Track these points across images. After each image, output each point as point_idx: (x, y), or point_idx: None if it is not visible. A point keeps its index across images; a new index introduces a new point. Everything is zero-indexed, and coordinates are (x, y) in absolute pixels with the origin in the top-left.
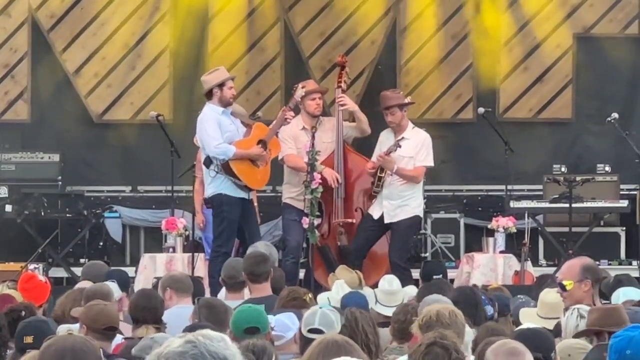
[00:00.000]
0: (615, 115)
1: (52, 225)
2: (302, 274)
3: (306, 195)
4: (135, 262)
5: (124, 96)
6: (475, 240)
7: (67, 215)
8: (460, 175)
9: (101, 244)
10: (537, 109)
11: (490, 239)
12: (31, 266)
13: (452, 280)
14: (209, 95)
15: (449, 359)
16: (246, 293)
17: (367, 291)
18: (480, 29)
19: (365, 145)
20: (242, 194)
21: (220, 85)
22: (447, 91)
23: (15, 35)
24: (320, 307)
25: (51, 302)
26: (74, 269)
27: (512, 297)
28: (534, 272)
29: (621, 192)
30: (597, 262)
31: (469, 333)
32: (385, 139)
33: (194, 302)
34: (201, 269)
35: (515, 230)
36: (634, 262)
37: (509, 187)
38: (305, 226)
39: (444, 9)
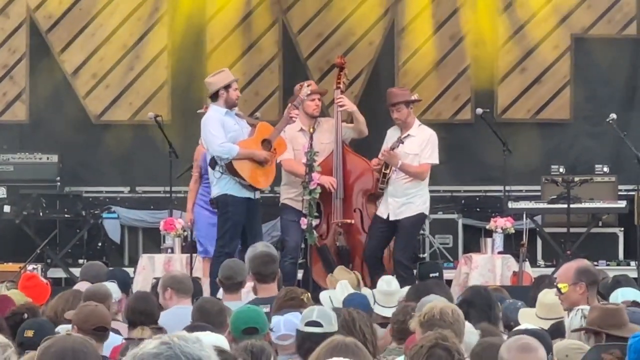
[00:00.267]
0: (613, 116)
1: (50, 226)
2: (300, 274)
3: (304, 195)
4: (133, 262)
5: (123, 97)
6: (474, 241)
7: (66, 215)
8: (459, 176)
9: (99, 244)
10: (535, 109)
11: (489, 240)
12: (30, 267)
13: (450, 281)
14: (214, 96)
15: None
16: (243, 293)
17: (365, 292)
18: (478, 30)
19: (363, 146)
20: (247, 194)
21: (226, 87)
22: (445, 92)
23: (13, 36)
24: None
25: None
26: (72, 269)
27: (504, 299)
28: (532, 272)
29: (619, 193)
30: (595, 263)
31: (474, 334)
32: (392, 135)
33: (193, 303)
34: (199, 270)
35: (513, 231)
36: (632, 263)
37: (507, 187)
38: (304, 227)
39: (441, 10)
